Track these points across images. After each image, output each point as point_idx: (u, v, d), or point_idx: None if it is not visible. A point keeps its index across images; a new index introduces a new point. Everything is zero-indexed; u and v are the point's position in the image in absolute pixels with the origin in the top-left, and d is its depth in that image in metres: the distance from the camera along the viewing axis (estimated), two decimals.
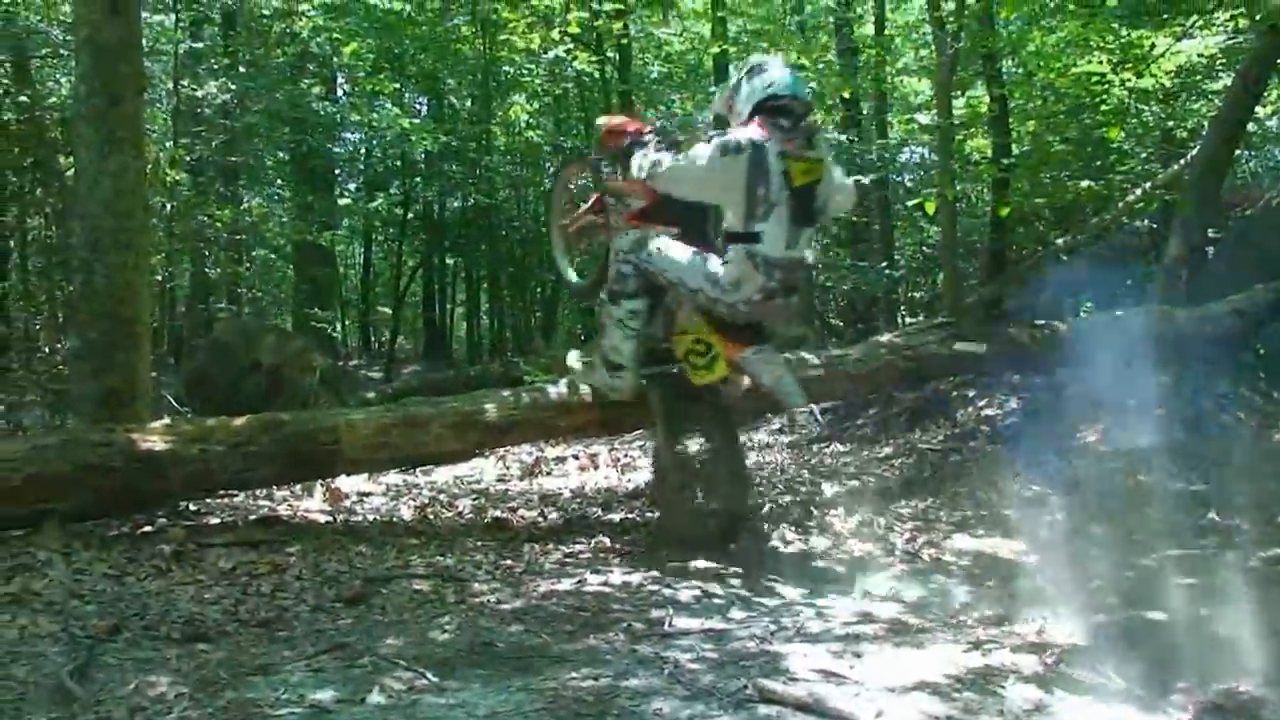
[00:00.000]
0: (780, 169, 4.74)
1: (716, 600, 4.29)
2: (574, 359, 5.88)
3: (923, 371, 7.07)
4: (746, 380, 5.44)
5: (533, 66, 15.56)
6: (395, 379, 14.86)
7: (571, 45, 12.04)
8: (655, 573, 4.68)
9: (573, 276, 6.20)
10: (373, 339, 21.76)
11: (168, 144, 13.36)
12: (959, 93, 12.45)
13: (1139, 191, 9.93)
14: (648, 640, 3.70)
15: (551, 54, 12.04)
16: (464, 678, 3.31)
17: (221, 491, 5.72)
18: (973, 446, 7.23)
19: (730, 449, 5.32)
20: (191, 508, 5.57)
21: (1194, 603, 4.10)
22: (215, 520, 5.48)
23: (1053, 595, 4.24)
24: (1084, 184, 9.50)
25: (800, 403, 5.42)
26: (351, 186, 19.52)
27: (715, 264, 4.96)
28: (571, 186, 6.30)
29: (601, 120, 5.72)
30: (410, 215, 18.63)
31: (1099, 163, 11.26)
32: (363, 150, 18.77)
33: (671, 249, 5.13)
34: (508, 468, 7.81)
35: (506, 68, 15.23)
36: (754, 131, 4.78)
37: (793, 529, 5.53)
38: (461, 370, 15.26)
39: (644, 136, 5.22)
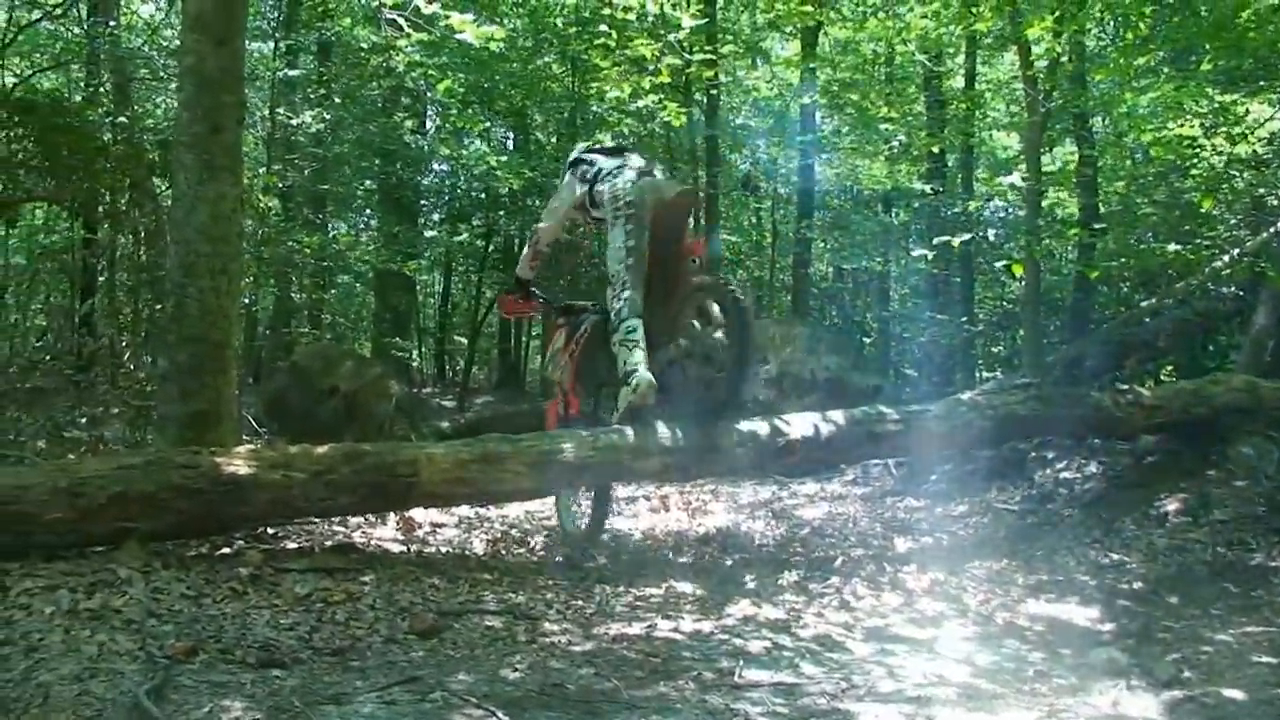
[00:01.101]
0: (590, 155, 6.64)
1: (786, 652, 4.27)
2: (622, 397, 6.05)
3: (1003, 431, 7.00)
4: None
5: (619, 115, 15.67)
6: (469, 409, 14.95)
7: (662, 96, 12.12)
8: (726, 622, 4.68)
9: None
10: (447, 368, 21.89)
11: (261, 170, 13.60)
12: (1048, 149, 12.37)
13: (1227, 258, 9.79)
14: (718, 691, 3.69)
15: (641, 103, 12.11)
16: (534, 719, 3.33)
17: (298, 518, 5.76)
18: (1050, 509, 7.13)
19: (739, 336, 5.78)
20: (269, 531, 5.62)
21: (1273, 682, 4.03)
22: (292, 545, 5.53)
23: (1128, 667, 4.18)
24: (1171, 248, 9.39)
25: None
26: (435, 217, 19.70)
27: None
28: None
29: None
30: (491, 248, 18.78)
31: (1187, 227, 11.13)
32: (448, 183, 18.95)
33: (608, 256, 6.19)
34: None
35: (594, 107, 15.35)
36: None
37: (864, 584, 5.48)
38: (534, 403, 15.32)
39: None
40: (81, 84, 13.67)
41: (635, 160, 6.51)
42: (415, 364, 19.98)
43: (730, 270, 20.68)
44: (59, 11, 11.81)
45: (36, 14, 11.73)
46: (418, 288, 20.34)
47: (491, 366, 22.01)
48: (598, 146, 6.90)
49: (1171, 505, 6.63)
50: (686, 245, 6.34)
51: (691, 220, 6.75)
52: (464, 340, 19.92)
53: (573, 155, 6.86)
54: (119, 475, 4.86)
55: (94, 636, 3.86)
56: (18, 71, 11.98)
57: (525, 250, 7.01)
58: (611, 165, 6.40)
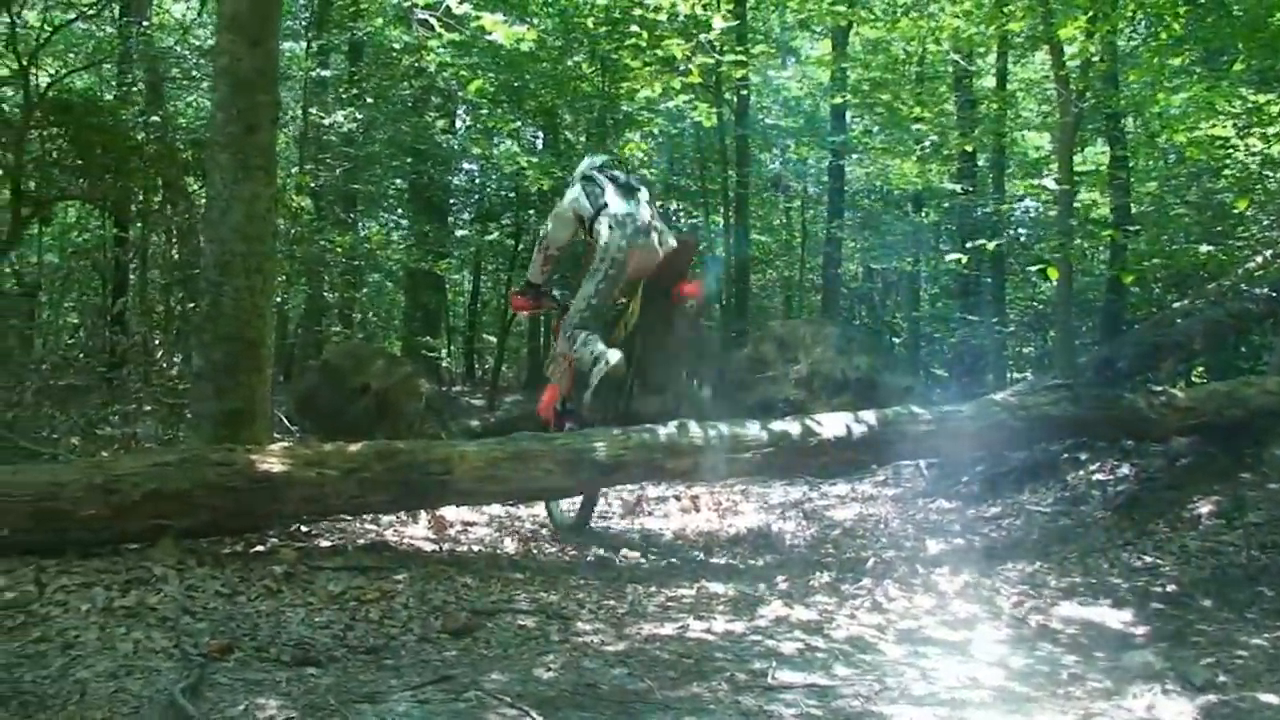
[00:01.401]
0: (602, 177, 6.68)
1: (819, 654, 4.27)
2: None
3: (1035, 432, 6.96)
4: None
5: (649, 114, 15.67)
6: (498, 408, 14.96)
7: (692, 96, 12.11)
8: (759, 623, 4.68)
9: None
10: (477, 367, 21.92)
11: (294, 170, 13.65)
12: (1079, 149, 12.29)
13: (1260, 259, 9.71)
14: (750, 692, 3.69)
15: (671, 103, 12.11)
16: (567, 719, 3.33)
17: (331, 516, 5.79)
18: (1083, 511, 7.08)
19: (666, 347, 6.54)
20: (302, 529, 5.65)
21: None
22: (325, 543, 5.56)
23: (1163, 670, 4.16)
24: (1204, 249, 9.32)
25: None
26: (465, 217, 19.74)
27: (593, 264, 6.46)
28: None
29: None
30: (520, 247, 18.82)
31: (1219, 227, 11.05)
32: (478, 182, 18.98)
33: (576, 295, 6.54)
34: (609, 505, 7.83)
35: (625, 106, 15.35)
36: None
37: (897, 585, 5.46)
38: None
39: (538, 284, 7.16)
40: (114, 83, 13.74)
41: (639, 213, 6.52)
42: (445, 363, 20.02)
43: (760, 271, 20.68)
44: (92, 12, 11.86)
45: (70, 14, 11.78)
46: (447, 286, 20.39)
47: (520, 365, 22.02)
48: (613, 172, 6.89)
49: (1205, 508, 6.58)
50: (682, 289, 6.52)
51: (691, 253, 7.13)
52: (493, 339, 19.97)
53: (586, 168, 6.89)
54: (154, 472, 4.90)
55: (129, 634, 3.89)
56: (52, 71, 12.03)
57: (535, 255, 7.13)
58: (615, 210, 6.44)
